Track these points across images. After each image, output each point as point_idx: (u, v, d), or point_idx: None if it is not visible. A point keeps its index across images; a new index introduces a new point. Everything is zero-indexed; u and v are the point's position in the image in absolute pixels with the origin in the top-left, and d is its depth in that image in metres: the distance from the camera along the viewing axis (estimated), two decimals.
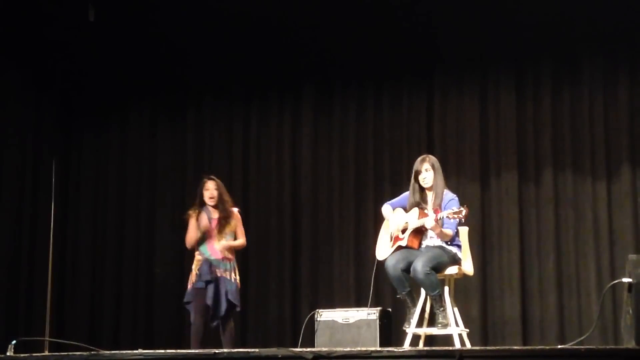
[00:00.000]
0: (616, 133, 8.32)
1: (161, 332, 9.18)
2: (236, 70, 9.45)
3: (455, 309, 6.51)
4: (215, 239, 7.27)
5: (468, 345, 6.55)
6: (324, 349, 5.08)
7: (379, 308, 7.11)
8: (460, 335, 6.46)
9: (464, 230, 6.75)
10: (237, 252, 7.50)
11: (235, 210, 7.41)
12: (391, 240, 6.70)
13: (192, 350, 5.83)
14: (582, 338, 5.85)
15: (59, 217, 9.47)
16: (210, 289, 7.16)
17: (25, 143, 9.27)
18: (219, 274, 7.20)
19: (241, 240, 7.42)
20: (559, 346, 5.49)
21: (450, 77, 8.91)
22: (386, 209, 6.83)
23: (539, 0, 8.32)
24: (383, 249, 6.72)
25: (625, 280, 4.83)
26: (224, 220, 7.29)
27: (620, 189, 8.24)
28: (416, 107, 9.01)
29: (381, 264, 6.65)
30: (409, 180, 6.76)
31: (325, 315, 7.15)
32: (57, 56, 9.43)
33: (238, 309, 7.33)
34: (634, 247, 7.98)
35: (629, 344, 4.73)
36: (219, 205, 7.31)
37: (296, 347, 7.10)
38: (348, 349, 5.45)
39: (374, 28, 8.82)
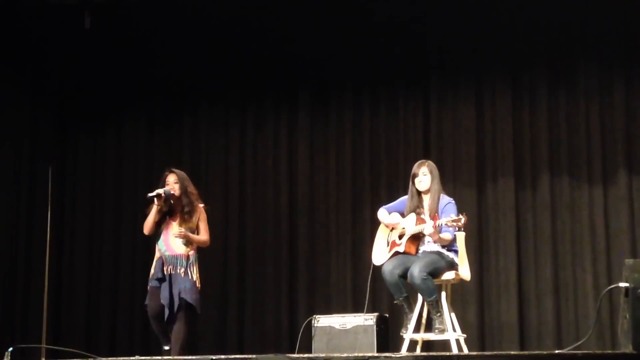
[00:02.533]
0: (612, 138, 8.33)
1: (158, 339, 9.13)
2: (232, 77, 9.45)
3: (453, 314, 6.51)
4: (171, 233, 6.91)
5: (465, 351, 6.55)
6: (321, 355, 5.08)
7: (376, 314, 7.11)
8: (457, 341, 6.46)
9: (461, 236, 6.75)
10: (205, 251, 7.18)
11: (201, 205, 7.05)
12: (388, 245, 6.70)
13: (190, 357, 5.81)
14: (579, 343, 5.86)
15: (55, 223, 9.45)
16: (165, 288, 6.82)
17: (21, 149, 9.26)
18: (173, 271, 6.84)
19: (203, 237, 6.99)
20: (556, 351, 5.50)
21: (446, 83, 8.91)
22: (382, 213, 6.83)
23: (534, 6, 8.33)
24: (380, 254, 6.72)
25: (622, 284, 4.82)
26: (187, 214, 6.92)
27: (617, 193, 8.25)
28: (412, 112, 9.01)
29: (377, 269, 6.65)
30: (406, 186, 6.77)
31: (322, 321, 7.15)
32: (53, 62, 9.44)
33: (198, 310, 6.90)
34: (630, 252, 7.99)
35: (626, 348, 4.73)
36: (183, 198, 6.93)
37: (293, 353, 7.12)
38: (345, 354, 5.45)
39: (370, 34, 8.84)
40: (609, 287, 6.01)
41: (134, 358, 6.40)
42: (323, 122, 9.28)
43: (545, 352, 5.14)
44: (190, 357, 5.68)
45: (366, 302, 7.08)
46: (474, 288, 8.31)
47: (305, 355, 5.82)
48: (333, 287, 8.94)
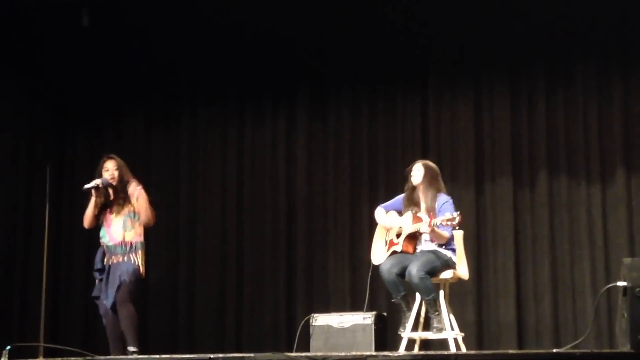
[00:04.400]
0: (610, 137, 8.33)
1: (155, 337, 9.15)
2: (230, 76, 9.45)
3: (451, 314, 6.51)
4: (113, 222, 6.69)
5: (463, 350, 6.56)
6: (319, 354, 5.08)
7: (374, 312, 7.12)
8: (455, 340, 6.47)
9: (458, 235, 6.75)
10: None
11: (138, 187, 6.74)
12: (386, 244, 6.70)
13: (187, 355, 5.81)
14: (577, 342, 5.85)
15: (53, 223, 9.41)
16: (103, 279, 6.58)
17: (19, 148, 9.26)
18: (114, 261, 6.58)
19: (141, 217, 6.65)
20: (554, 350, 5.50)
21: (444, 82, 8.91)
22: (379, 212, 6.83)
23: (532, 5, 8.33)
24: (378, 254, 6.73)
25: (620, 283, 4.83)
26: (122, 200, 6.67)
27: (615, 192, 8.25)
28: (410, 111, 9.02)
29: (376, 268, 6.65)
30: (404, 185, 6.77)
31: (320, 319, 7.15)
32: (51, 61, 9.42)
33: (133, 294, 6.57)
34: (628, 251, 7.99)
35: (624, 347, 4.74)
36: (119, 185, 6.71)
37: (291, 351, 7.12)
38: (343, 353, 5.45)
39: (368, 32, 8.84)
40: (607, 286, 6.02)
41: (131, 357, 6.40)
42: (321, 121, 9.28)
43: (543, 351, 5.14)
44: (187, 356, 5.68)
45: (365, 300, 7.08)
46: (472, 287, 8.31)
47: (303, 354, 5.82)
48: (331, 286, 8.94)
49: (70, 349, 6.74)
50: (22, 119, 9.32)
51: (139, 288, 6.69)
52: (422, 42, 8.86)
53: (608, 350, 6.73)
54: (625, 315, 4.76)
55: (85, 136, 9.90)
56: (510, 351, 6.87)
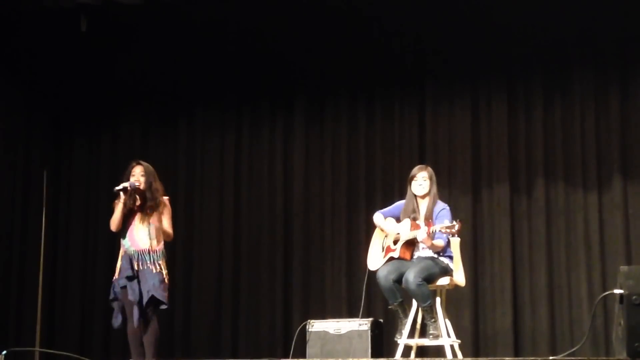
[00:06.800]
0: (607, 144, 8.33)
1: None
2: (228, 81, 9.44)
3: (447, 320, 6.52)
4: (136, 228, 6.68)
5: (460, 356, 6.56)
6: None
7: (370, 319, 7.10)
8: (451, 346, 6.47)
9: (455, 241, 6.75)
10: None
11: (165, 198, 6.82)
12: (383, 250, 6.70)
13: None
14: (574, 349, 5.86)
15: (49, 228, 9.43)
16: (134, 285, 6.53)
17: (16, 154, 9.25)
18: (140, 267, 6.57)
19: (165, 233, 6.76)
20: (551, 357, 5.50)
21: (441, 88, 8.91)
22: (378, 217, 6.84)
23: (529, 12, 8.35)
24: (375, 259, 6.73)
25: (617, 291, 4.83)
26: (149, 209, 6.67)
27: (612, 200, 8.25)
28: (408, 118, 9.02)
29: (373, 274, 6.65)
30: (401, 191, 6.79)
31: (316, 325, 7.13)
32: (49, 66, 9.42)
33: (164, 306, 6.63)
34: (625, 258, 7.99)
35: (621, 355, 4.73)
36: (147, 192, 6.70)
37: (287, 358, 7.12)
38: (339, 359, 5.45)
39: (366, 39, 8.85)
40: (604, 294, 6.01)
41: None
42: (318, 127, 9.28)
43: (539, 359, 5.14)
44: None
45: (361, 307, 7.07)
46: (468, 294, 8.30)
47: None
48: (327, 292, 8.93)
49: (66, 354, 6.74)
50: (20, 123, 9.31)
51: (167, 296, 6.65)
52: (419, 48, 8.88)
53: (604, 358, 6.73)
54: (622, 323, 4.76)
55: (82, 141, 9.88)
56: (507, 358, 6.88)
